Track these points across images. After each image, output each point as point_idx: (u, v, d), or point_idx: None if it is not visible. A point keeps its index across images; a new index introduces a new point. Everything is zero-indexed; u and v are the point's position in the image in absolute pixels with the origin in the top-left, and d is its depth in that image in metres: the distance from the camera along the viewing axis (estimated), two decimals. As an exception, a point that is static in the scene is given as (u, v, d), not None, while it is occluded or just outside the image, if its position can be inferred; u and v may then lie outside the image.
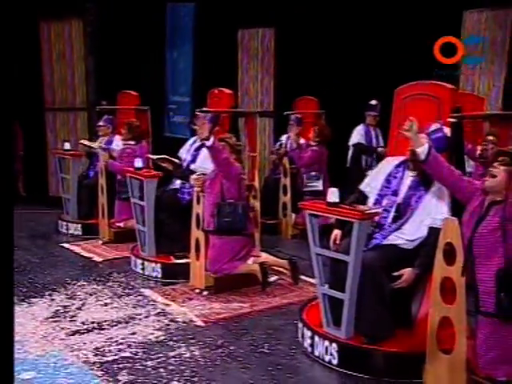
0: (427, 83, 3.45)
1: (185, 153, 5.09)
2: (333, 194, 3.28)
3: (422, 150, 2.87)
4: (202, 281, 4.43)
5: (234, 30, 7.55)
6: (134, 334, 3.66)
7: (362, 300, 3.17)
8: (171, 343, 3.52)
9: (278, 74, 7.37)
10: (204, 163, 4.70)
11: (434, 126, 3.06)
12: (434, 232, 2.98)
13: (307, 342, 3.40)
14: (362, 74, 6.38)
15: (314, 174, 6.20)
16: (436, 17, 5.72)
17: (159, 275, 4.77)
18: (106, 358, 3.31)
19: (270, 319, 3.90)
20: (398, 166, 3.35)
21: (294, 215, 6.19)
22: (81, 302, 4.21)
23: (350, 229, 3.21)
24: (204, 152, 4.71)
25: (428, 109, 3.37)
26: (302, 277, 4.56)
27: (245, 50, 7.60)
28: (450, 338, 2.82)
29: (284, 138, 6.65)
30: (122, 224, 5.82)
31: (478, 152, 4.16)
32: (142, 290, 4.51)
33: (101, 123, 6.27)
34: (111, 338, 3.60)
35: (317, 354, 3.31)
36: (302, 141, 6.42)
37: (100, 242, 5.88)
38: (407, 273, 3.10)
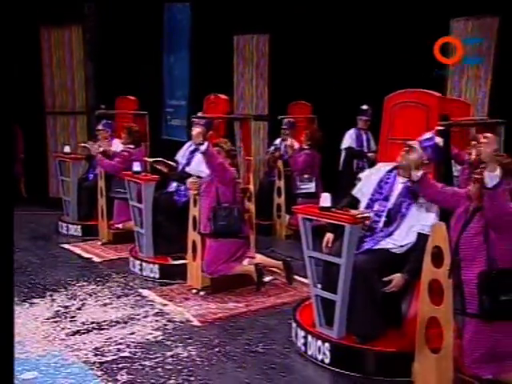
0: (415, 91, 3.47)
1: (181, 156, 5.09)
2: (325, 199, 3.29)
3: (416, 174, 2.96)
4: (198, 281, 4.44)
5: (230, 35, 7.55)
6: (132, 333, 3.66)
7: (354, 301, 3.19)
8: (169, 343, 3.52)
9: (272, 78, 7.39)
10: (198, 166, 4.70)
11: (427, 135, 3.07)
12: (422, 238, 3.00)
13: (301, 341, 3.41)
14: (353, 79, 6.41)
15: (306, 176, 6.22)
16: (423, 25, 5.75)
17: (157, 276, 4.77)
18: (105, 358, 3.31)
19: (264, 319, 3.91)
20: (389, 171, 3.37)
21: (287, 216, 6.20)
22: (81, 303, 4.21)
23: (342, 232, 3.22)
24: (198, 155, 4.71)
25: (416, 116, 3.40)
26: (296, 277, 4.57)
27: (240, 56, 7.61)
28: (437, 337, 2.85)
29: (278, 141, 6.67)
30: (120, 225, 5.81)
31: (467, 157, 4.17)
32: (141, 290, 4.51)
33: (100, 127, 6.26)
34: (110, 338, 3.60)
35: (310, 353, 3.33)
36: (296, 145, 6.43)
37: (99, 242, 5.87)
38: (397, 278, 3.12)
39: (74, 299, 4.28)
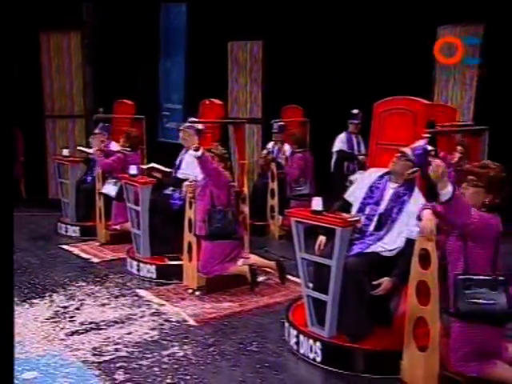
0: (403, 98, 3.48)
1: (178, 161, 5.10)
2: (317, 203, 3.30)
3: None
4: (194, 281, 4.43)
5: (225, 42, 7.58)
6: (129, 333, 3.65)
7: (345, 302, 3.20)
8: (165, 342, 3.52)
9: (265, 83, 7.43)
10: (187, 168, 4.74)
11: (419, 143, 3.08)
12: (410, 243, 3.01)
13: (293, 340, 3.42)
14: (344, 84, 6.44)
15: (301, 179, 6.28)
16: (411, 32, 5.78)
17: (154, 276, 4.76)
18: (103, 358, 3.30)
19: (258, 318, 3.91)
20: (380, 177, 3.38)
21: (280, 217, 6.21)
22: (79, 303, 4.19)
23: (334, 235, 3.23)
24: (186, 158, 4.75)
25: (404, 122, 3.41)
26: (289, 276, 4.58)
27: (234, 61, 7.63)
28: (424, 336, 2.87)
29: (270, 145, 6.70)
30: (118, 227, 5.79)
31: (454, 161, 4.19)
32: (138, 290, 4.49)
33: (97, 131, 6.24)
34: (108, 337, 3.59)
35: (302, 351, 3.33)
36: (287, 151, 6.44)
37: (97, 243, 5.86)
38: (386, 282, 3.13)
39: (73, 299, 4.27)
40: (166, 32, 8.16)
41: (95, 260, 5.34)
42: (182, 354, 3.36)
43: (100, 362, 3.25)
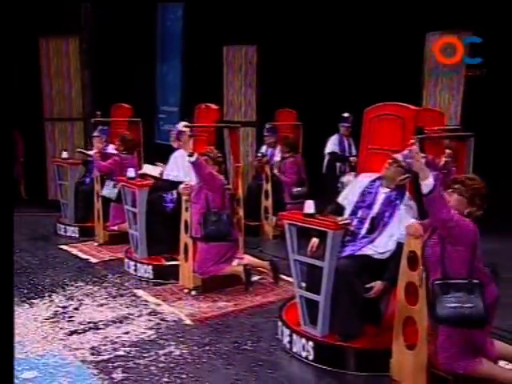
0: (393, 104, 3.49)
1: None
2: (309, 206, 3.31)
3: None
4: (190, 281, 4.43)
5: (220, 46, 7.57)
6: (127, 333, 3.65)
7: (337, 302, 3.21)
8: (162, 342, 3.52)
9: (260, 87, 7.44)
10: (172, 170, 4.77)
11: (410, 149, 3.07)
12: (401, 246, 3.01)
13: (286, 339, 3.43)
14: (336, 88, 6.47)
15: (297, 181, 6.34)
16: (400, 39, 5.81)
17: (151, 276, 4.75)
18: (101, 357, 3.30)
19: (252, 318, 3.91)
20: (373, 181, 3.39)
21: (274, 218, 6.22)
22: (78, 303, 4.19)
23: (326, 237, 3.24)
24: (171, 160, 4.79)
25: (394, 127, 3.43)
26: (282, 276, 4.58)
27: (229, 65, 7.63)
28: (413, 335, 2.88)
29: (264, 148, 6.72)
30: (116, 227, 5.78)
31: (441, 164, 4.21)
32: (135, 290, 4.49)
33: (95, 134, 6.22)
34: (106, 337, 3.58)
35: (295, 350, 3.34)
36: (277, 155, 6.46)
37: (96, 243, 5.84)
38: (377, 285, 3.14)
39: (72, 299, 4.26)
40: (163, 36, 8.16)
41: (94, 260, 5.33)
42: (178, 352, 3.36)
43: (98, 362, 3.24)
